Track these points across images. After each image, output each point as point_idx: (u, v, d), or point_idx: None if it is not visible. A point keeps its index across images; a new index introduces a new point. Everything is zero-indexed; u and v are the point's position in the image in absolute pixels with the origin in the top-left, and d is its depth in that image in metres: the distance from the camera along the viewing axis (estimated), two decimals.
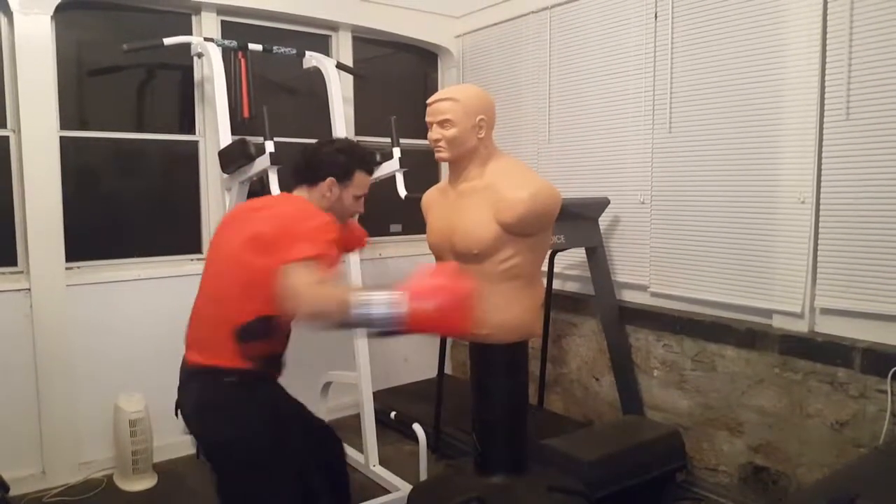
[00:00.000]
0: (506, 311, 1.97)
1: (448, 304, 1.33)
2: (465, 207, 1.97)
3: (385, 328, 1.34)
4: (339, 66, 3.18)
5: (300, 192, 1.74)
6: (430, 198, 2.20)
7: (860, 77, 2.16)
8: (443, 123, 1.93)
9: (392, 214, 3.70)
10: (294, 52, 3.08)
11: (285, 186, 2.25)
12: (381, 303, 1.31)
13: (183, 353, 1.71)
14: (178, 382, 1.69)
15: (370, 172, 1.83)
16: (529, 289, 2.00)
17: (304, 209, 1.65)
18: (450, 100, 1.94)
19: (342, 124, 2.97)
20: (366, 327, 1.37)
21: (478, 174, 1.99)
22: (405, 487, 2.50)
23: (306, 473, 1.74)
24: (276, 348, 1.68)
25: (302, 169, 1.75)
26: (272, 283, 1.44)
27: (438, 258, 2.12)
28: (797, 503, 1.64)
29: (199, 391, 1.63)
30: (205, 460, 1.70)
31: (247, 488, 1.61)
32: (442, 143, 1.95)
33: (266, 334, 1.60)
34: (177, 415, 1.68)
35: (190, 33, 3.01)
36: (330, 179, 1.72)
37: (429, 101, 2.00)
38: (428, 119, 1.99)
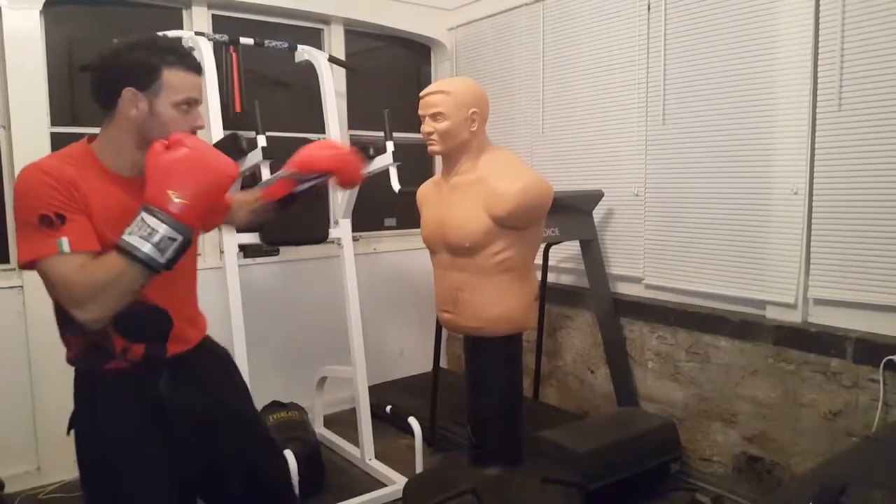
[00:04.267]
0: (499, 304, 1.97)
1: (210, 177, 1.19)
2: (457, 201, 1.97)
3: (177, 248, 1.18)
4: (332, 60, 3.16)
5: (103, 127, 1.30)
6: (425, 191, 2.19)
7: (852, 68, 2.16)
8: (435, 116, 1.94)
9: (386, 208, 3.69)
10: (286, 45, 3.06)
11: None
12: (156, 230, 1.15)
13: None
14: None
15: (191, 67, 1.29)
16: (522, 282, 2.00)
17: (20, 188, 1.22)
18: (442, 93, 1.94)
19: (335, 118, 2.96)
20: (168, 254, 1.17)
21: (470, 167, 1.99)
22: (401, 481, 2.51)
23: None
24: (89, 338, 1.33)
25: (95, 89, 1.28)
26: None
27: (432, 252, 2.12)
28: (789, 492, 1.65)
29: None
30: None
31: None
32: (434, 137, 1.96)
33: (67, 323, 1.31)
34: None
35: (181, 28, 2.99)
36: (127, 91, 1.23)
37: (421, 94, 2.00)
38: (420, 112, 1.99)
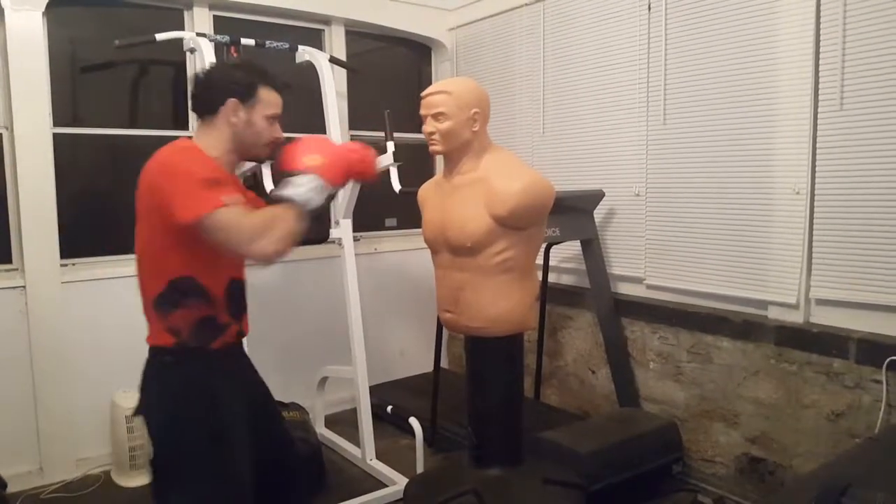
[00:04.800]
0: (500, 304, 1.97)
1: (334, 151, 1.51)
2: (459, 201, 1.96)
3: (323, 196, 1.45)
4: (332, 61, 3.17)
5: (201, 129, 1.52)
6: (426, 191, 2.19)
7: (853, 67, 2.15)
8: (437, 116, 1.94)
9: (387, 209, 3.70)
10: (287, 46, 3.06)
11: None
12: (303, 182, 1.43)
13: None
14: None
15: (277, 88, 1.56)
16: (524, 282, 2.00)
17: (172, 158, 1.44)
18: (443, 93, 1.94)
19: (336, 118, 2.96)
20: (315, 208, 1.44)
21: (471, 167, 1.99)
22: (402, 481, 2.51)
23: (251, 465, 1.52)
24: (204, 311, 1.46)
25: (198, 99, 1.52)
26: (177, 245, 1.39)
27: (434, 252, 2.12)
28: (790, 493, 1.65)
29: (143, 373, 1.50)
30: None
31: (180, 486, 1.44)
32: (436, 137, 1.95)
33: (185, 297, 1.44)
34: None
35: (182, 28, 3.00)
36: (232, 101, 1.48)
37: (423, 94, 2.00)
38: (422, 112, 1.99)
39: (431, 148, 1.99)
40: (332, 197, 1.50)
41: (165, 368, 1.48)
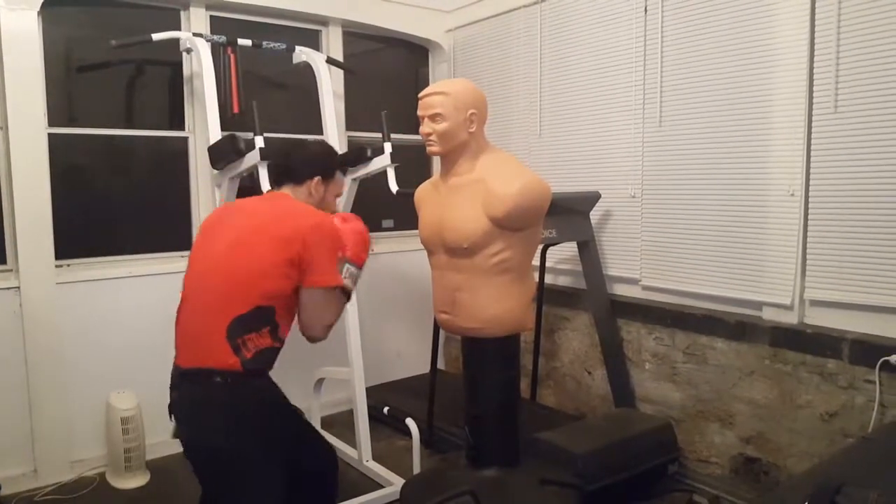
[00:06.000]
0: (497, 304, 1.98)
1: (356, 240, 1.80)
2: (456, 202, 1.97)
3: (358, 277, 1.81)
4: (329, 61, 3.17)
5: (290, 191, 1.81)
6: (423, 192, 2.20)
7: (847, 70, 2.17)
8: (434, 117, 1.94)
9: (384, 210, 3.70)
10: (283, 47, 3.06)
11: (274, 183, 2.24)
12: (350, 273, 1.77)
13: (174, 353, 1.69)
14: (169, 382, 1.67)
15: (345, 173, 2.07)
16: (521, 283, 2.01)
17: (325, 223, 1.70)
18: (441, 94, 1.94)
19: (332, 119, 2.96)
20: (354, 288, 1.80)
21: (468, 168, 1.99)
22: (398, 482, 2.51)
23: (291, 471, 1.72)
24: (271, 343, 1.65)
25: (288, 168, 1.84)
26: (281, 282, 1.61)
27: (430, 252, 2.12)
28: (785, 492, 1.65)
29: (191, 392, 1.61)
30: (191, 460, 1.67)
31: (230, 492, 1.61)
32: (433, 138, 1.96)
33: (263, 325, 1.61)
34: (171, 418, 1.66)
35: (179, 29, 2.99)
36: (317, 178, 1.81)
37: (420, 95, 2.00)
38: (419, 113, 1.99)
39: (429, 149, 2.00)
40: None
41: (223, 389, 1.60)
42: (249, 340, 1.59)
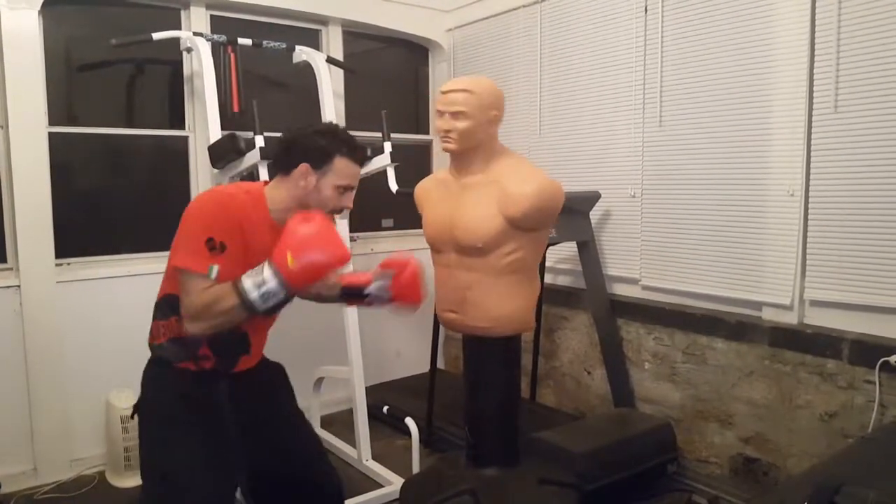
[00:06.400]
0: (507, 304, 1.97)
1: (321, 257, 1.38)
2: (470, 201, 1.94)
3: (273, 305, 1.41)
4: (329, 61, 3.17)
5: (276, 181, 1.57)
6: (426, 189, 2.16)
7: (848, 70, 2.17)
8: (456, 115, 1.88)
9: (384, 209, 3.69)
10: (284, 46, 3.06)
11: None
12: (265, 284, 1.38)
13: None
14: None
15: (357, 160, 1.55)
16: (529, 283, 2.01)
17: (201, 198, 1.52)
18: (466, 91, 1.88)
19: (332, 119, 2.96)
20: (268, 304, 1.40)
21: (481, 168, 1.97)
22: (398, 482, 2.51)
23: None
24: (179, 333, 1.51)
25: (279, 155, 1.58)
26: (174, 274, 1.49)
27: (436, 251, 2.09)
28: (784, 492, 1.66)
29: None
30: None
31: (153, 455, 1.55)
32: (453, 135, 1.90)
33: (171, 313, 1.53)
34: None
35: (179, 28, 2.99)
36: (304, 166, 1.50)
37: (442, 89, 1.94)
38: (439, 108, 1.93)
39: (445, 146, 1.94)
40: (284, 304, 1.47)
41: (148, 368, 1.61)
42: (163, 327, 1.55)
